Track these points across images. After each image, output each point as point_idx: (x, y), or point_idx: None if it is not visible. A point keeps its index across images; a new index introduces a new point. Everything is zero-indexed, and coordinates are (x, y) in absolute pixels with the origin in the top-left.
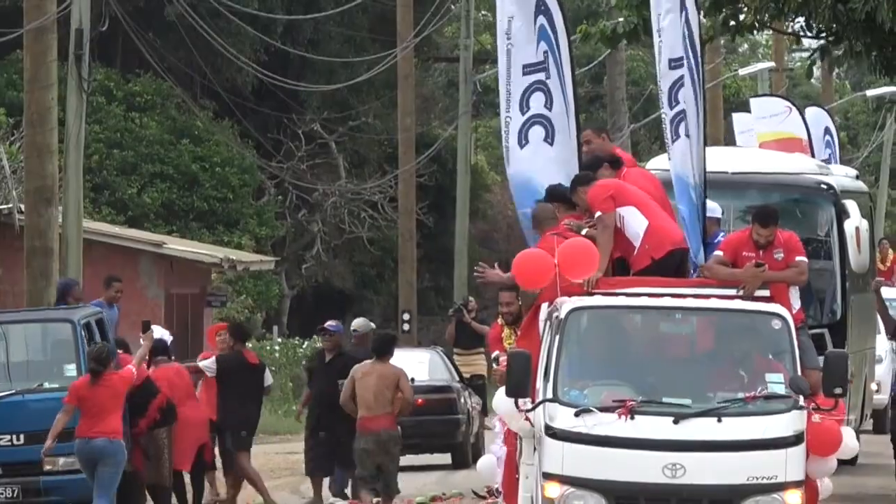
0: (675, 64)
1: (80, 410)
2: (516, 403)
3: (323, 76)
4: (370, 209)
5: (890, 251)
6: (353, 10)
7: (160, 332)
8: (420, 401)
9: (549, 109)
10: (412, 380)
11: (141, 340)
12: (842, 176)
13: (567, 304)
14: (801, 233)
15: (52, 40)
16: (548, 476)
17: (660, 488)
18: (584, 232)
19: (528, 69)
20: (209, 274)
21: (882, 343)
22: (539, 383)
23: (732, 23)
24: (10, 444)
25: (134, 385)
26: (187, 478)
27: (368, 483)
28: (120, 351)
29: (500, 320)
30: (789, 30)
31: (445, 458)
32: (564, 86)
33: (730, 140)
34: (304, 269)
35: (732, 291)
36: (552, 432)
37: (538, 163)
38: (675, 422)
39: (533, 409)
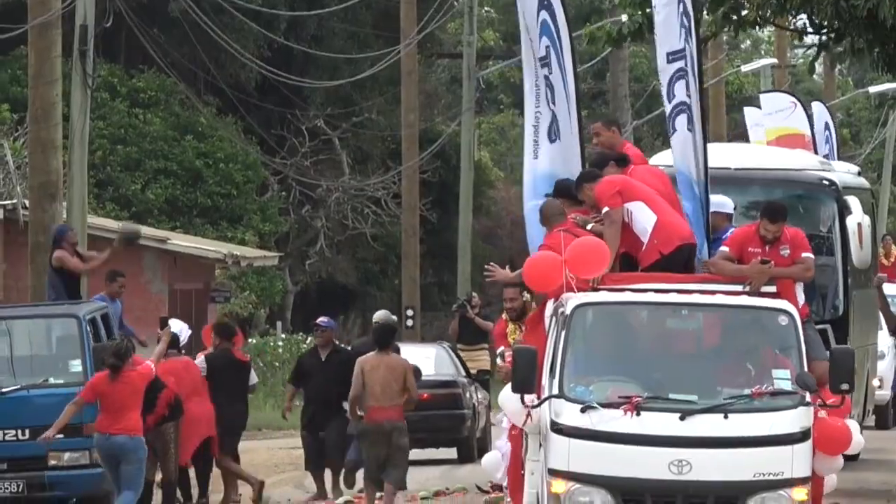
0: (672, 57)
1: (100, 406)
2: (522, 399)
3: (326, 72)
4: (373, 205)
5: (893, 247)
6: (356, 6)
7: (179, 325)
8: (426, 395)
9: (554, 105)
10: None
11: (159, 337)
12: (844, 172)
13: (573, 299)
14: (803, 229)
15: (57, 36)
16: (553, 472)
17: (666, 485)
18: (589, 227)
19: (540, 63)
20: (213, 269)
21: (884, 339)
22: (545, 379)
23: (734, 17)
24: (15, 438)
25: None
26: (187, 473)
27: (373, 476)
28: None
29: (504, 316)
30: (791, 26)
31: (451, 453)
32: (566, 81)
33: (737, 135)
34: (308, 264)
35: (739, 287)
36: (558, 428)
37: (552, 159)
38: (682, 418)
39: (539, 405)
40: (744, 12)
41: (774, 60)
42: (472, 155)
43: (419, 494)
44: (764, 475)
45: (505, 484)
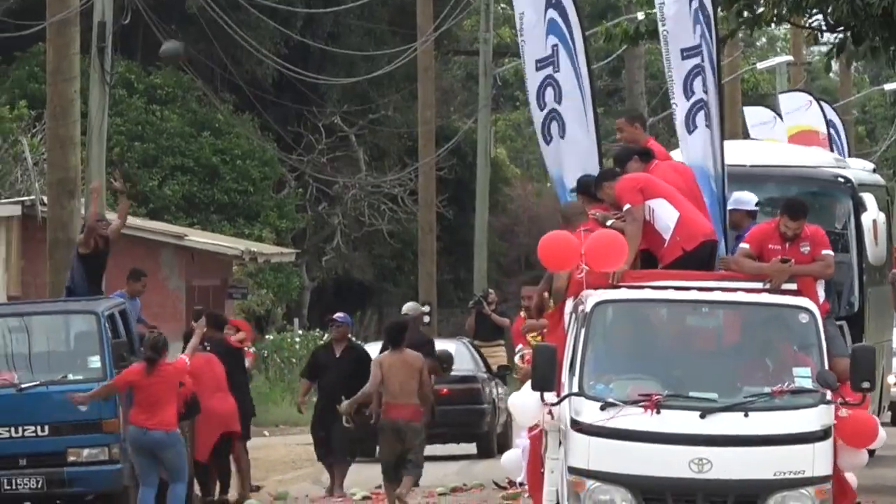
0: (687, 54)
1: (134, 399)
2: (542, 397)
3: (343, 69)
4: (390, 202)
5: None
6: (373, 3)
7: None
8: (445, 390)
9: (559, 103)
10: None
11: (194, 329)
12: (859, 169)
13: (593, 297)
14: (818, 225)
15: (75, 33)
16: (573, 470)
17: (686, 483)
18: (609, 223)
19: (540, 64)
20: (230, 266)
21: None
22: (565, 377)
23: (747, 14)
24: (34, 435)
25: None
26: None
27: (390, 472)
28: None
29: (522, 314)
30: (807, 24)
31: (471, 448)
32: (580, 78)
33: (746, 134)
34: (325, 261)
35: (759, 285)
36: (578, 426)
37: (560, 158)
38: (702, 416)
39: (558, 402)
40: (759, 10)
41: (790, 58)
42: (489, 152)
43: (436, 490)
44: (785, 474)
45: (522, 480)
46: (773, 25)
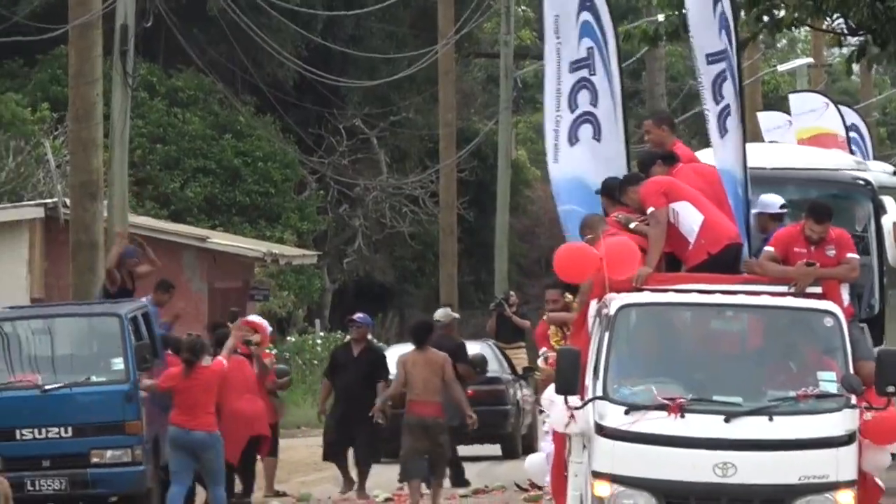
0: (713, 58)
1: (174, 400)
2: (566, 401)
3: (364, 71)
4: (411, 204)
5: None
6: (394, 5)
7: (258, 320)
8: (470, 392)
9: (595, 106)
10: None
11: (231, 330)
12: (879, 172)
13: (617, 300)
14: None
15: (97, 36)
16: (597, 475)
17: (710, 488)
18: (632, 226)
19: (574, 66)
20: (252, 268)
21: None
22: (588, 381)
23: (767, 18)
24: (58, 436)
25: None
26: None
27: (414, 468)
28: (168, 351)
29: (546, 317)
30: (828, 27)
31: (496, 449)
32: (612, 82)
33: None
34: (346, 263)
35: (784, 288)
36: (602, 430)
37: (588, 161)
38: (726, 420)
39: (582, 406)
40: (780, 13)
41: (811, 60)
42: (510, 154)
43: (458, 492)
44: (809, 478)
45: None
46: (793, 29)
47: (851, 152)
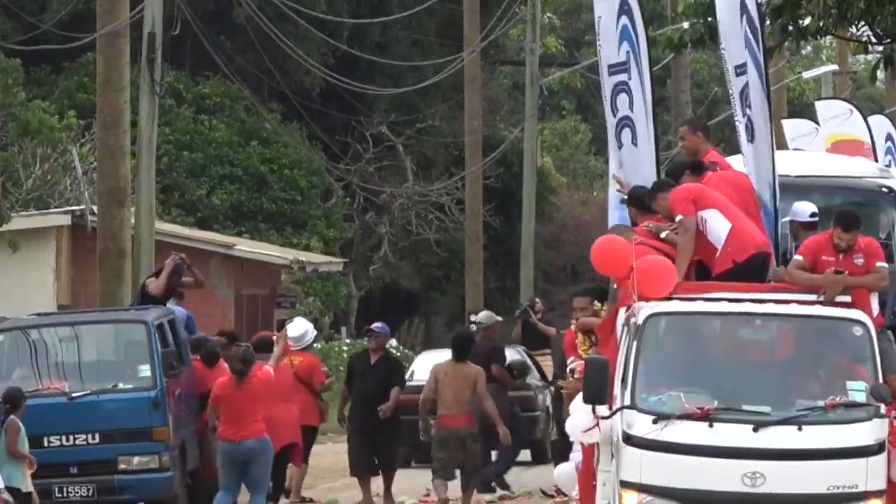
0: (740, 70)
1: (221, 413)
2: (593, 410)
3: (390, 79)
4: (437, 211)
5: None
6: (419, 13)
7: (304, 326)
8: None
9: (632, 111)
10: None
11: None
12: None
13: (645, 309)
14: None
15: (125, 44)
16: (625, 484)
17: (739, 497)
18: (663, 235)
19: (613, 70)
20: (279, 275)
21: None
22: (617, 390)
23: (791, 27)
24: (85, 443)
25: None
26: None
27: (442, 471)
28: (194, 357)
29: (573, 327)
30: (853, 36)
31: (525, 455)
32: (644, 87)
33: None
34: (372, 270)
35: (812, 297)
36: (630, 439)
37: (630, 166)
38: (755, 430)
39: (610, 415)
40: (804, 22)
41: (835, 67)
42: (535, 161)
43: (484, 498)
44: (838, 488)
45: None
46: (818, 38)
47: (877, 158)
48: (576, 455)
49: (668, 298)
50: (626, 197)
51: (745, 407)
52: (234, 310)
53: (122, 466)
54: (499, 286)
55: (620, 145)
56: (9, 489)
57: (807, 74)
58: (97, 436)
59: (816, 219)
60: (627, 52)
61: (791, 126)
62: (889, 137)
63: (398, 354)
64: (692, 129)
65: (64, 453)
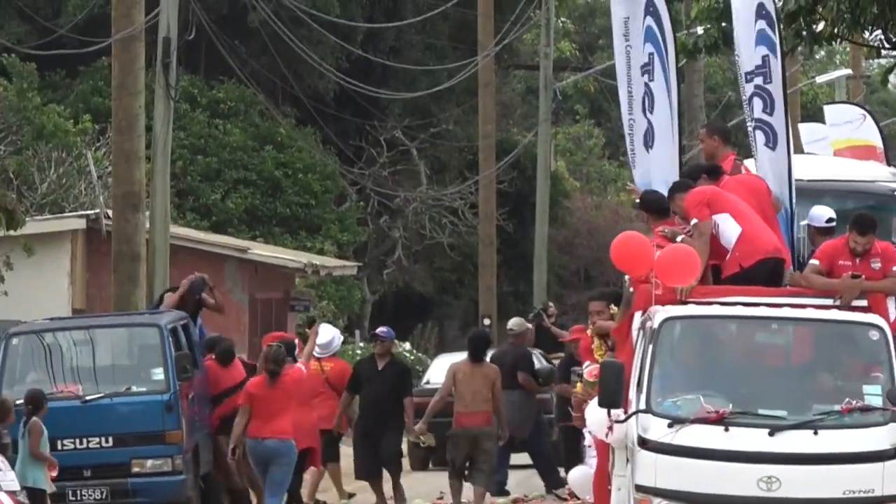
0: (750, 76)
1: (252, 411)
2: (609, 414)
3: (404, 83)
4: (451, 215)
5: None
6: (434, 18)
7: (332, 332)
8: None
9: (651, 112)
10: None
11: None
12: None
13: (661, 313)
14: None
15: (140, 49)
16: (640, 488)
17: (755, 501)
18: (679, 239)
19: (643, 70)
20: (293, 279)
21: None
22: (632, 394)
23: (805, 33)
24: (99, 446)
25: (228, 386)
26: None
27: (455, 471)
28: (209, 356)
29: (589, 331)
30: (867, 41)
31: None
32: (670, 89)
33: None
34: (386, 274)
35: (829, 301)
36: (645, 444)
37: (656, 168)
38: (771, 434)
39: (626, 419)
40: (818, 27)
41: (849, 71)
42: (549, 165)
43: (498, 501)
44: (854, 492)
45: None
46: (833, 43)
47: (889, 163)
48: (592, 460)
49: (684, 302)
50: (637, 201)
51: (760, 411)
52: (248, 313)
53: (135, 469)
54: (512, 290)
55: (651, 146)
56: (32, 490)
57: (820, 79)
58: (111, 439)
59: (833, 224)
60: (650, 53)
61: (807, 130)
62: None
63: (412, 358)
64: (709, 132)
65: (77, 456)
